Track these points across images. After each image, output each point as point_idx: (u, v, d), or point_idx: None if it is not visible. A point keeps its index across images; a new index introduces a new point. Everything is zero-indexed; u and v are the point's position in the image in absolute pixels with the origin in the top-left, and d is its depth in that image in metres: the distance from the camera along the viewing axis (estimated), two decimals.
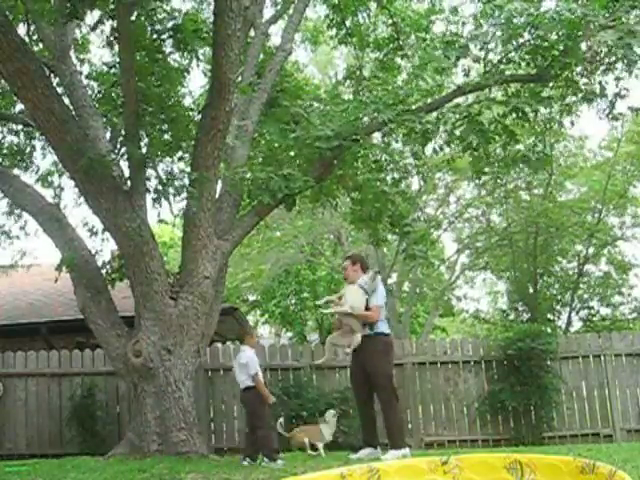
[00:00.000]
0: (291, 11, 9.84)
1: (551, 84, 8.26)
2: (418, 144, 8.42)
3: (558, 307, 21.96)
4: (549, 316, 21.35)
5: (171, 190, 7.36)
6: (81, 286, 7.86)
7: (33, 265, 11.34)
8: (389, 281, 22.07)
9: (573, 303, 21.68)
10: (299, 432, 6.81)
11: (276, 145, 8.99)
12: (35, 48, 8.92)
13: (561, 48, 7.51)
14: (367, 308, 6.12)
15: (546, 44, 7.66)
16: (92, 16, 8.06)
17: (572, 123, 9.19)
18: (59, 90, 7.81)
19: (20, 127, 9.90)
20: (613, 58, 7.18)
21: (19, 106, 9.29)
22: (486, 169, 9.38)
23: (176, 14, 7.95)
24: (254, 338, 6.63)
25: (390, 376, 6.23)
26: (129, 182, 7.44)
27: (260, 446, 6.23)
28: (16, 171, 9.74)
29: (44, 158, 10.26)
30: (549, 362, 9.42)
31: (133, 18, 6.81)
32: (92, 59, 10.41)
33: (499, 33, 7.66)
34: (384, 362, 6.19)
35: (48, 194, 9.32)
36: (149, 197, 7.42)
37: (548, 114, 9.01)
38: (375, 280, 6.22)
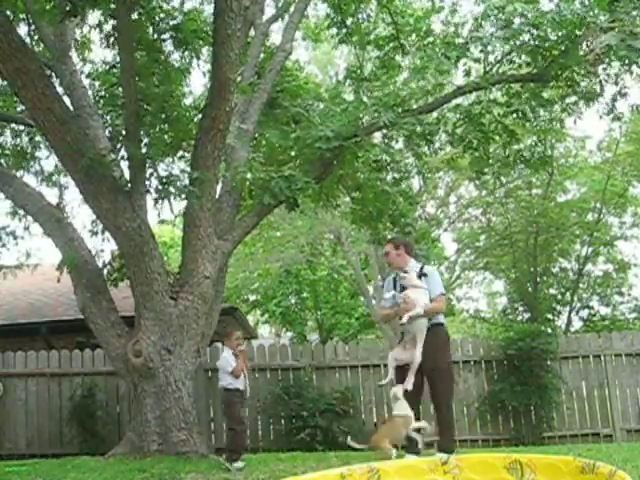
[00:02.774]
0: (291, 11, 9.84)
1: (551, 84, 8.26)
2: (420, 146, 8.41)
3: (558, 307, 21.95)
4: (549, 316, 21.34)
5: (171, 190, 7.36)
6: (81, 286, 7.86)
7: (38, 265, 11.38)
8: None
9: (573, 303, 21.68)
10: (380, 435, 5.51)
11: (277, 145, 8.99)
12: (35, 48, 8.92)
13: (562, 49, 7.51)
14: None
15: (546, 44, 7.66)
16: (93, 15, 8.07)
17: (575, 122, 9.16)
18: (59, 90, 7.80)
19: (22, 128, 9.92)
20: (612, 58, 7.17)
21: (20, 106, 9.30)
22: (486, 169, 9.38)
23: (176, 14, 7.95)
24: (232, 340, 6.42)
25: (451, 371, 6.04)
26: (129, 182, 7.44)
27: (227, 444, 6.40)
28: (20, 172, 9.76)
29: (47, 158, 10.29)
30: (549, 362, 9.41)
31: (134, 18, 6.81)
32: (94, 58, 10.45)
33: (499, 34, 7.66)
34: (446, 356, 5.90)
35: (52, 194, 9.36)
36: (149, 197, 7.43)
37: (549, 114, 9.00)
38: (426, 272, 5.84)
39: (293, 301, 25.59)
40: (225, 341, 6.53)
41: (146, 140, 7.70)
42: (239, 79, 8.27)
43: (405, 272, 5.77)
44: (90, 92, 8.92)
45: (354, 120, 7.94)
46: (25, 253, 10.29)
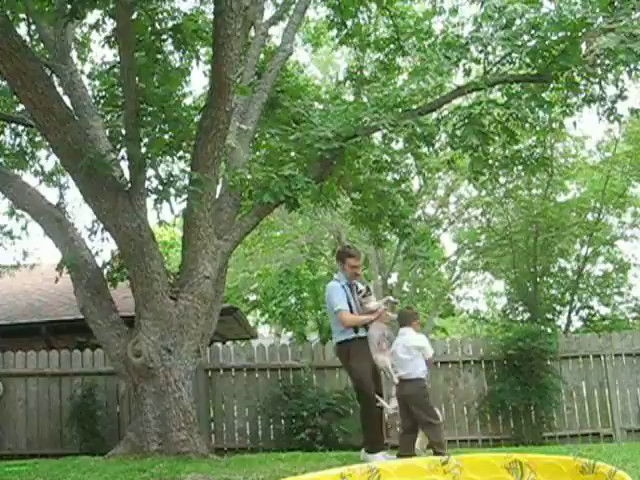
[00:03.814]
0: (291, 12, 9.84)
1: (551, 85, 8.25)
2: (420, 147, 8.40)
3: (558, 307, 21.95)
4: (549, 316, 21.34)
5: (171, 190, 7.36)
6: (81, 286, 7.86)
7: (36, 265, 11.40)
8: (389, 281, 22.07)
9: (573, 303, 21.68)
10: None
11: (276, 145, 8.99)
12: (35, 48, 8.92)
13: (562, 48, 7.50)
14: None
15: (546, 44, 7.65)
16: (93, 15, 8.07)
17: (574, 124, 9.17)
18: (59, 90, 7.80)
19: (22, 128, 9.92)
20: (612, 62, 7.17)
21: (20, 106, 9.30)
22: (485, 170, 9.37)
23: (176, 14, 7.96)
24: (419, 325, 5.98)
25: None
26: (129, 182, 7.44)
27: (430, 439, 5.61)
28: (20, 172, 9.76)
29: (48, 157, 10.29)
30: (549, 362, 9.42)
31: (133, 18, 6.81)
32: (94, 58, 10.46)
33: (499, 34, 7.65)
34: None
35: (52, 194, 9.38)
36: (149, 197, 7.42)
37: (549, 115, 9.00)
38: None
39: (293, 301, 25.59)
40: (412, 322, 5.87)
41: (146, 140, 7.70)
42: (239, 79, 8.27)
43: (366, 288, 6.26)
44: (90, 92, 8.93)
45: (354, 121, 7.94)
46: (22, 252, 10.31)
